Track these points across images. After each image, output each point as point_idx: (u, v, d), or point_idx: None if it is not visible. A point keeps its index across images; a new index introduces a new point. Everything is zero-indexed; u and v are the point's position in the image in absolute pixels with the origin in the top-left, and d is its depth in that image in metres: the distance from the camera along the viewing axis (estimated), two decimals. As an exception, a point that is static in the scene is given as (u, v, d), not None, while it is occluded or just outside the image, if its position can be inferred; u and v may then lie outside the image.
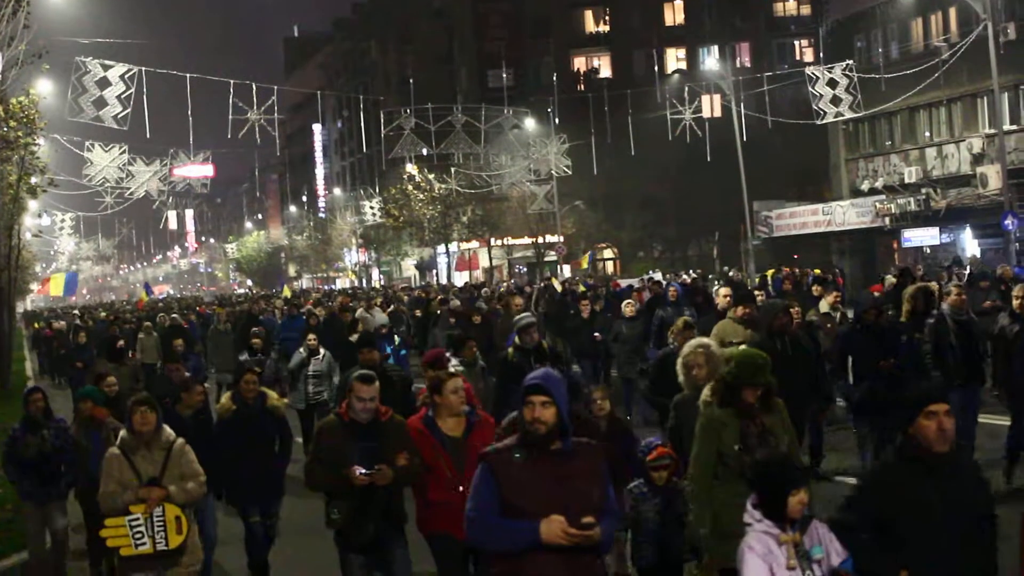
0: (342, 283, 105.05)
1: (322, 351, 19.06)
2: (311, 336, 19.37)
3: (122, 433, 9.98)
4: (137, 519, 9.53)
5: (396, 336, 22.23)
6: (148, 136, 41.24)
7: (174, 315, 37.39)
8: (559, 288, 39.05)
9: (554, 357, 14.14)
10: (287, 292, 62.45)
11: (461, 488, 8.49)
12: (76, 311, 66.60)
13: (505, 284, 54.52)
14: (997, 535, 6.55)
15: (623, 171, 65.45)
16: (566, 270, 73.01)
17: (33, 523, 13.02)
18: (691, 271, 57.63)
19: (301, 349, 19.25)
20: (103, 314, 52.65)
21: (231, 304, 50.46)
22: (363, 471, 8.71)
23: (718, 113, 62.29)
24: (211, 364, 28.00)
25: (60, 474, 12.74)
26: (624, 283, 44.16)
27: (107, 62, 37.36)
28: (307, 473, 9.15)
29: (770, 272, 43.25)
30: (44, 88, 34.68)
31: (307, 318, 26.22)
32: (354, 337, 21.44)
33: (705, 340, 9.71)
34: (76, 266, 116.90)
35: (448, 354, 14.57)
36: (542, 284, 44.08)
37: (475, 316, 23.07)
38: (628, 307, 21.92)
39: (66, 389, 28.98)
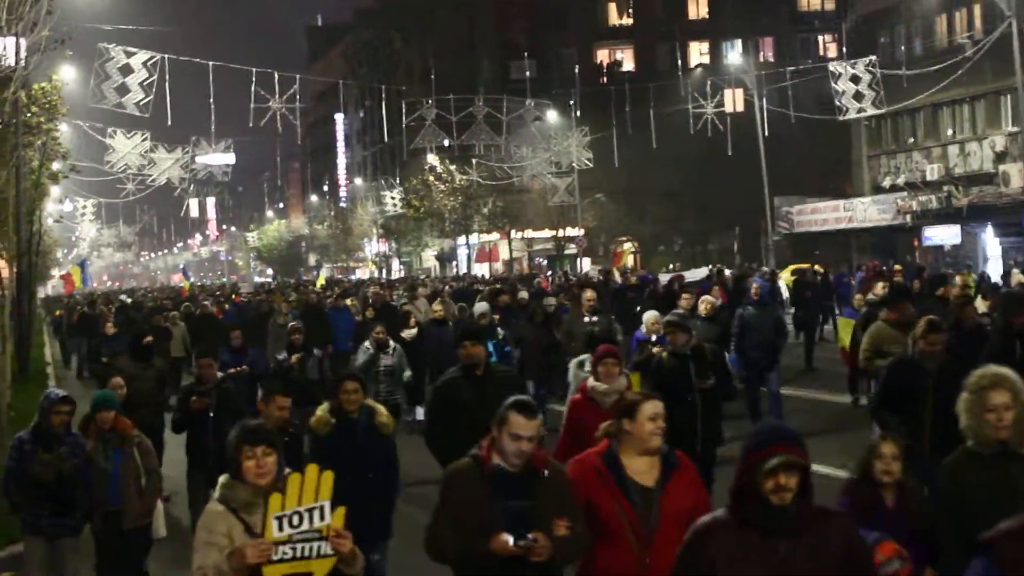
0: (362, 273, 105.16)
1: (392, 344, 16.95)
2: (379, 328, 17.26)
3: (221, 480, 6.37)
4: None
5: (500, 330, 18.85)
6: (170, 123, 41.32)
7: (205, 303, 35.47)
8: (619, 279, 37.17)
9: (718, 365, 12.03)
10: (322, 279, 62.00)
11: (648, 561, 6.34)
12: (106, 295, 66.26)
13: (574, 276, 52.38)
14: None
15: (645, 165, 65.32)
16: (585, 263, 73.01)
17: (36, 562, 10.38)
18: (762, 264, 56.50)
19: (367, 344, 16.90)
20: (128, 299, 51.71)
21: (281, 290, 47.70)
22: (516, 541, 6.26)
23: (740, 108, 62.18)
24: (272, 361, 25.26)
25: (73, 501, 10.27)
26: (688, 275, 41.15)
27: (130, 49, 37.51)
28: (431, 539, 6.61)
29: (789, 268, 43.04)
30: (67, 74, 34.90)
31: (363, 310, 24.56)
32: (407, 333, 19.83)
33: (1005, 370, 6.80)
34: (97, 252, 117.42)
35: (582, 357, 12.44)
36: (599, 276, 41.96)
37: (536, 313, 20.22)
38: (705, 305, 18.35)
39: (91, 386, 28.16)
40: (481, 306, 19.60)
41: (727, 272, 36.86)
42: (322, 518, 5.63)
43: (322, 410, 10.08)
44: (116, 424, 10.50)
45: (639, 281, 34.25)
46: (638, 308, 22.85)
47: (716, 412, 11.77)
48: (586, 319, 18.84)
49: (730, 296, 24.00)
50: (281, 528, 5.61)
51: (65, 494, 10.12)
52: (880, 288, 18.21)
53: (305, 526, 5.62)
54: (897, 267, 36.17)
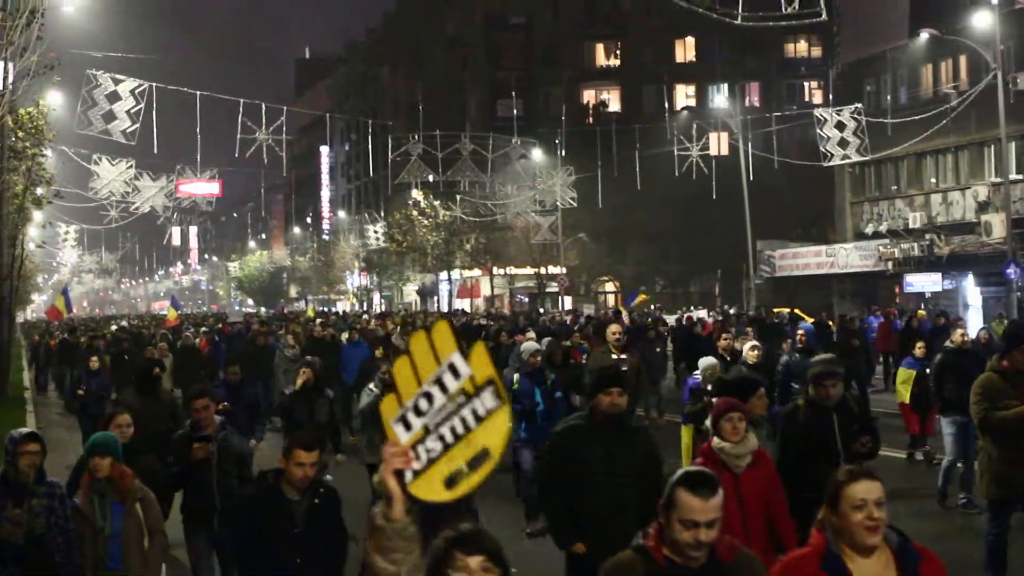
0: (343, 306, 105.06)
1: None
2: (385, 368, 15.14)
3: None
4: None
5: (551, 375, 16.28)
6: (156, 152, 41.22)
7: (187, 333, 33.34)
8: (627, 319, 36.71)
9: (865, 419, 10.12)
10: (311, 311, 61.45)
11: None
12: (87, 323, 65.73)
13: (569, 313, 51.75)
14: None
15: (628, 205, 65.48)
16: (567, 302, 73.01)
17: None
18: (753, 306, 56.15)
19: (372, 385, 14.94)
20: (113, 328, 50.59)
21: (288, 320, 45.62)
22: None
23: (725, 151, 62.39)
24: (279, 396, 22.28)
25: (51, 566, 8.48)
26: (698, 315, 38.99)
27: (118, 76, 37.42)
28: None
29: (783, 309, 42.99)
30: (54, 100, 34.88)
31: (374, 345, 23.00)
32: None
33: None
34: (78, 278, 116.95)
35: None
36: (609, 313, 40.84)
37: (555, 354, 18.30)
38: (755, 352, 15.99)
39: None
40: (531, 345, 17.19)
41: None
42: (456, 375, 3.49)
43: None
44: (113, 474, 8.69)
45: (652, 321, 33.74)
46: (657, 349, 22.88)
47: None
48: (614, 356, 17.31)
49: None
50: (409, 428, 3.54)
51: (37, 557, 8.39)
52: (959, 336, 15.79)
53: (440, 401, 3.51)
54: (920, 312, 35.96)
